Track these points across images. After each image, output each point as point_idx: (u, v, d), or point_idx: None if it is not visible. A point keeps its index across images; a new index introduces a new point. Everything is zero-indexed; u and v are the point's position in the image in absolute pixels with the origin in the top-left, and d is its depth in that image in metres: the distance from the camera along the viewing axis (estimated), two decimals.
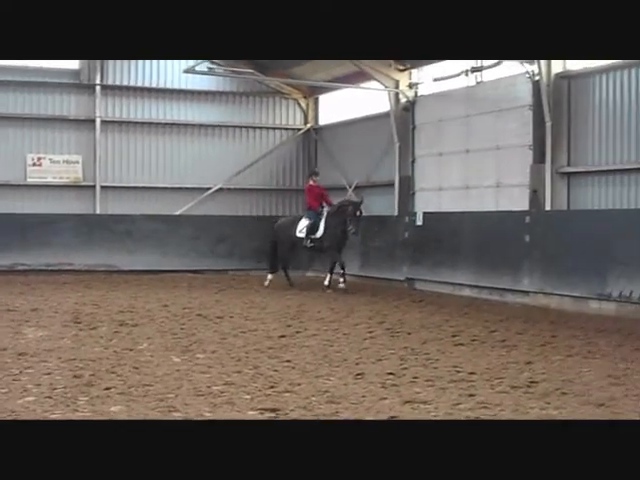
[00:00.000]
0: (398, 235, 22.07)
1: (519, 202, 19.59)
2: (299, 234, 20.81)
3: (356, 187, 26.19)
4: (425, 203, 23.21)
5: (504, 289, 18.44)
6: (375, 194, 25.46)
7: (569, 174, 18.75)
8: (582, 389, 8.90)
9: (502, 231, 18.45)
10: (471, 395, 8.49)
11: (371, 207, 25.60)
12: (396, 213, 23.68)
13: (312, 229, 20.57)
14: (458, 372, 9.82)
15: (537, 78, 18.80)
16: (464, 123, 21.87)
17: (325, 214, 20.58)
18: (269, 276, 21.50)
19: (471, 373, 9.73)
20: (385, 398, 8.33)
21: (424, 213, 21.48)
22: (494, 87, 20.62)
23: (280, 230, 21.65)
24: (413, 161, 23.90)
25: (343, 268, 19.88)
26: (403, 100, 23.93)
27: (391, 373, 9.65)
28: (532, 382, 9.23)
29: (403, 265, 21.77)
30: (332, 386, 8.93)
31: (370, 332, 13.23)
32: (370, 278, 22.81)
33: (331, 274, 20.21)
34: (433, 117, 23.03)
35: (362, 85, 25.21)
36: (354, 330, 13.45)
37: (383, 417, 7.46)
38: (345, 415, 7.54)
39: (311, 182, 21.45)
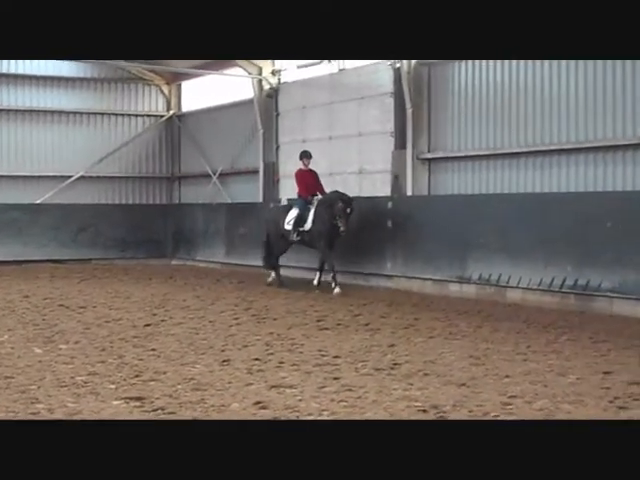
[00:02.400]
0: (263, 222, 22.07)
1: (382, 188, 19.86)
2: (287, 226, 18.26)
3: (220, 174, 26.09)
4: (290, 190, 23.26)
5: (368, 273, 18.73)
6: (240, 181, 25.44)
7: (429, 160, 19.11)
8: (444, 370, 9.12)
9: (365, 216, 18.69)
10: (336, 378, 8.60)
11: (236, 194, 25.63)
12: (261, 200, 23.68)
13: (300, 220, 18.04)
14: (323, 356, 9.93)
15: (398, 65, 19.05)
16: (327, 110, 22.00)
17: (315, 204, 17.98)
18: (272, 274, 19.05)
19: (336, 357, 9.86)
20: (251, 384, 8.37)
21: (288, 200, 21.56)
22: (357, 74, 20.79)
23: (270, 220, 19.37)
24: (277, 148, 23.93)
25: (333, 269, 17.36)
26: (267, 87, 23.92)
27: (257, 359, 9.70)
28: (395, 364, 9.42)
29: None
30: (198, 373, 8.91)
31: (236, 319, 13.25)
32: (236, 265, 22.83)
33: (320, 272, 17.89)
34: (297, 104, 23.09)
35: (225, 72, 25.08)
36: (220, 317, 13.45)
37: (249, 402, 7.49)
38: (211, 402, 7.54)
39: (301, 166, 18.67)
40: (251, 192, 24.57)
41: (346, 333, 11.83)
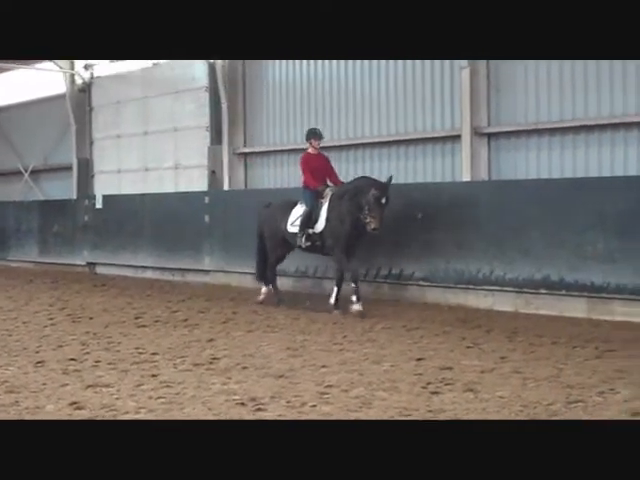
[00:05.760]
0: (78, 219, 21.69)
1: (198, 183, 19.82)
2: (291, 228, 14.14)
3: (32, 171, 25.41)
4: (105, 186, 22.91)
5: (186, 269, 18.66)
6: (53, 178, 24.88)
7: (246, 154, 19.19)
8: (262, 362, 9.20)
9: (182, 212, 18.62)
10: (154, 375, 8.54)
11: (49, 191, 25.01)
12: (75, 197, 23.18)
13: (308, 220, 13.84)
14: (141, 354, 9.84)
15: (213, 60, 19.04)
16: (142, 104, 21.76)
17: (329, 198, 13.83)
18: (263, 289, 14.87)
19: (154, 354, 9.79)
20: (67, 384, 8.20)
21: (104, 196, 21.23)
22: (171, 68, 20.64)
23: (265, 221, 14.85)
24: (91, 143, 23.51)
25: (356, 282, 13.22)
26: (79, 81, 23.44)
27: (73, 359, 9.51)
28: (214, 358, 9.43)
29: (84, 249, 21.45)
30: (11, 376, 8.66)
31: (51, 319, 12.94)
32: (50, 264, 22.31)
33: (339, 288, 13.54)
34: (111, 99, 22.73)
35: (37, 66, 24.40)
36: (34, 318, 13.10)
37: (65, 403, 7.34)
38: (25, 404, 7.35)
39: (309, 149, 14.30)
40: (65, 189, 24.04)
41: (164, 330, 11.75)
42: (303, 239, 13.78)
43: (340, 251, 13.47)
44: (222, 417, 6.74)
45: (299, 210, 14.01)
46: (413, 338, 10.77)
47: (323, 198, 13.79)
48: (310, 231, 13.75)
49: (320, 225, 13.69)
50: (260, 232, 14.92)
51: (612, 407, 6.96)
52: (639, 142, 12.88)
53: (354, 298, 13.07)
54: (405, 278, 14.37)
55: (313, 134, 14.27)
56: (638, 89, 12.82)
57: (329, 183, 14.05)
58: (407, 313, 12.90)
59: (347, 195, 13.36)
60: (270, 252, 14.74)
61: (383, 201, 12.85)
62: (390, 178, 13.12)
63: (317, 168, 14.02)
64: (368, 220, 12.85)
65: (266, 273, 14.84)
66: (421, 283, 14.16)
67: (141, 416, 6.89)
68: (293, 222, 14.03)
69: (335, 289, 13.56)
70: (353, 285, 13.17)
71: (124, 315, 13.29)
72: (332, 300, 13.46)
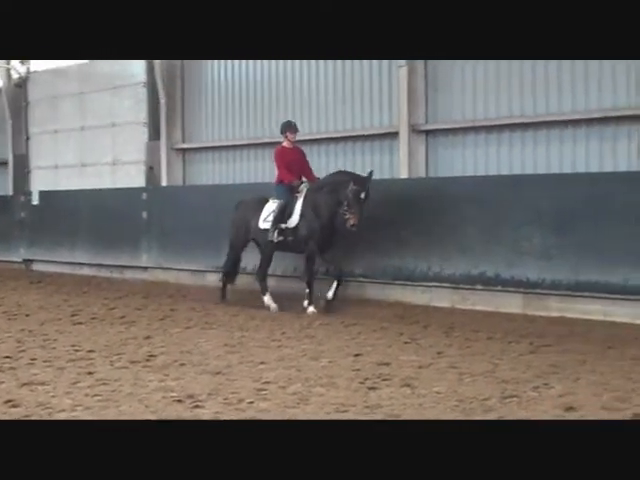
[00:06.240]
0: (14, 215, 21.42)
1: (136, 179, 19.70)
2: (263, 224, 13.46)
3: None
4: (41, 182, 22.66)
5: (124, 266, 18.53)
6: None
7: (184, 150, 19.11)
8: (200, 359, 9.16)
9: (120, 208, 18.48)
10: (90, 373, 8.46)
11: None
12: (11, 193, 22.89)
13: (282, 214, 13.21)
14: (77, 351, 9.74)
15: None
16: (80, 100, 21.58)
17: (304, 192, 13.32)
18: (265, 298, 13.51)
19: (90, 351, 9.69)
20: (2, 382, 8.08)
21: (40, 192, 20.99)
22: (109, 64, 20.45)
23: (237, 220, 14.11)
24: (28, 139, 23.24)
25: (339, 278, 12.88)
26: (15, 76, 23.14)
27: (7, 356, 9.36)
28: (151, 356, 9.37)
29: (20, 246, 21.21)
30: None
31: None
32: None
33: (311, 287, 13.01)
34: (47, 94, 22.50)
35: None
36: None
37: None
38: None
39: (284, 142, 13.69)
40: (0, 185, 23.72)
41: (101, 327, 11.65)
42: (275, 234, 13.17)
43: (314, 244, 12.97)
44: (159, 414, 6.70)
45: (271, 206, 13.44)
46: (351, 334, 10.81)
47: (298, 193, 13.27)
48: (283, 226, 13.18)
49: (294, 220, 13.15)
50: (231, 233, 14.25)
51: (546, 402, 7.05)
52: (574, 140, 13.08)
53: (306, 303, 12.76)
54: (344, 275, 14.39)
55: (288, 126, 13.63)
56: (573, 88, 13.01)
57: (304, 179, 13.49)
58: (346, 309, 12.93)
59: (325, 189, 12.92)
60: (236, 250, 14.15)
61: (362, 196, 12.45)
62: (371, 173, 12.75)
63: (292, 162, 13.47)
64: (347, 216, 12.47)
65: (230, 270, 14.23)
66: (360, 279, 14.22)
67: (77, 414, 6.82)
68: (266, 218, 13.42)
69: (307, 290, 12.96)
70: (335, 283, 12.74)
71: (60, 312, 13.15)
72: (306, 302, 12.87)
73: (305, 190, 13.25)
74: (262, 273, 13.77)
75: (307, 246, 13.09)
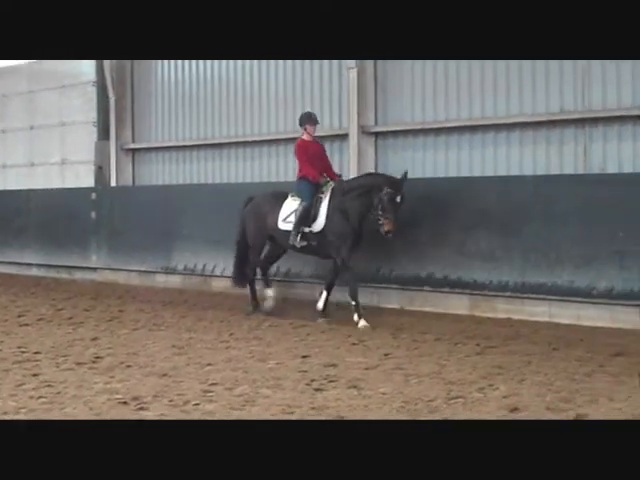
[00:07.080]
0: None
1: (85, 179, 19.54)
2: (283, 225, 12.42)
3: None
4: None
5: (72, 267, 18.41)
6: None
7: (134, 150, 19.00)
8: (146, 360, 9.14)
9: (69, 208, 18.35)
10: (35, 375, 8.40)
11: None
12: None
13: (307, 217, 12.12)
14: (23, 352, 9.67)
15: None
16: (28, 98, 21.38)
17: (329, 192, 12.28)
18: (268, 292, 13.05)
19: (36, 353, 9.63)
20: None
21: None
22: (58, 63, 20.28)
23: (249, 216, 12.91)
24: None
25: (355, 294, 11.80)
26: None
27: None
28: (97, 357, 9.32)
29: None
30: None
31: None
32: None
33: (329, 292, 12.30)
34: None
35: None
36: None
37: None
38: None
39: (304, 136, 12.62)
40: None
41: (48, 328, 11.57)
42: (298, 238, 12.09)
43: (346, 251, 11.92)
44: (103, 416, 6.67)
45: (292, 204, 12.32)
46: (300, 335, 10.83)
47: (322, 193, 12.24)
48: (307, 229, 12.11)
49: (320, 223, 12.07)
50: (241, 230, 13.03)
51: (491, 403, 7.12)
52: (521, 142, 13.18)
53: (356, 316, 11.66)
54: (293, 276, 14.43)
55: (308, 118, 12.57)
56: (520, 90, 13.11)
57: (326, 177, 12.46)
58: (295, 311, 12.94)
59: (355, 192, 11.93)
60: (254, 252, 12.93)
61: (398, 200, 11.56)
62: (405, 174, 11.78)
63: (315, 157, 12.43)
64: (381, 222, 11.56)
65: (240, 273, 13.07)
66: (309, 281, 14.23)
67: (21, 416, 6.77)
68: (285, 218, 12.31)
69: (324, 293, 12.21)
70: (353, 303, 11.75)
71: (7, 313, 13.04)
72: (320, 305, 12.16)
73: (330, 190, 12.27)
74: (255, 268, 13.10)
75: (339, 254, 12.00)
